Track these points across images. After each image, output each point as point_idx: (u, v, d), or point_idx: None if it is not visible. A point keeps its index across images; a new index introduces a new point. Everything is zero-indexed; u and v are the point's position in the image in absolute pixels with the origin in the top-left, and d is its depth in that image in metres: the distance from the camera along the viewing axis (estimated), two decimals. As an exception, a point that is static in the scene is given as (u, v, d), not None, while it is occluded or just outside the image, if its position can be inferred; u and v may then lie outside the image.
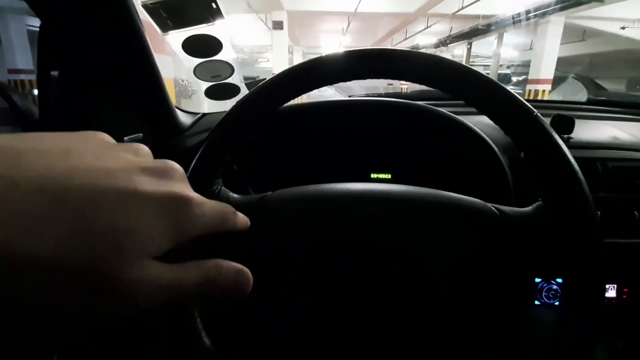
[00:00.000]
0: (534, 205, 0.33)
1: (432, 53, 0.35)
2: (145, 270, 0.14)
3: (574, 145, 0.61)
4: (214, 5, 0.62)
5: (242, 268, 0.18)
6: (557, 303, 0.50)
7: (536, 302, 0.52)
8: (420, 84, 0.33)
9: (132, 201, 0.14)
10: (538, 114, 0.31)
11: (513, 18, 7.97)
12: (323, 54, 0.34)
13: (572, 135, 0.61)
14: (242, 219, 0.21)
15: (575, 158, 0.30)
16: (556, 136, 0.30)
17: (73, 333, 0.13)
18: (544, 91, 8.39)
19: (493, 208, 0.34)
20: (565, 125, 0.59)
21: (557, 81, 8.29)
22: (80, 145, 0.15)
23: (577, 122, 0.60)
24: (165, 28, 0.64)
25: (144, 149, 0.18)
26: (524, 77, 10.72)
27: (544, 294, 0.53)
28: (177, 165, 0.18)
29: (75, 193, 0.13)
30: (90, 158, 0.14)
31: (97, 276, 0.13)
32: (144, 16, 0.59)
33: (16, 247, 0.11)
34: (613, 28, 8.87)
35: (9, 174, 0.12)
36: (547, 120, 0.31)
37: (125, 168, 0.15)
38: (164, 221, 0.15)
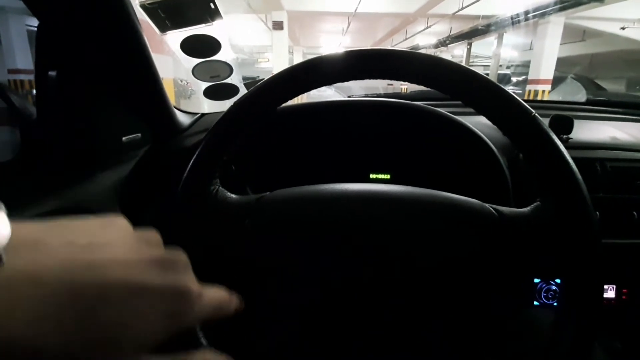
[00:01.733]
0: (532, 205, 0.33)
1: (432, 53, 0.35)
2: None
3: (573, 146, 0.61)
4: (212, 5, 0.62)
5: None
6: (556, 303, 0.50)
7: (535, 303, 0.52)
8: (419, 84, 0.33)
9: (140, 296, 0.15)
10: (536, 114, 0.31)
11: (513, 18, 7.97)
12: (322, 54, 0.34)
13: (571, 135, 0.61)
14: (236, 304, 0.22)
15: (574, 158, 0.30)
16: (554, 137, 0.30)
17: None
18: (543, 91, 8.39)
19: (491, 209, 0.34)
20: (564, 125, 0.59)
21: (556, 81, 8.30)
22: (102, 235, 0.16)
23: (576, 122, 0.60)
24: (163, 28, 0.64)
25: (155, 237, 0.19)
26: (523, 77, 10.73)
27: (543, 294, 0.53)
28: (182, 256, 0.19)
29: (90, 288, 0.14)
30: (109, 250, 0.16)
31: None
32: (142, 16, 0.59)
33: (29, 340, 0.12)
34: (613, 28, 8.87)
35: (33, 267, 0.13)
36: (546, 121, 0.31)
37: (139, 261, 0.16)
38: (164, 315, 0.16)
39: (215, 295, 0.20)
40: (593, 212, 0.29)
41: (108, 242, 0.16)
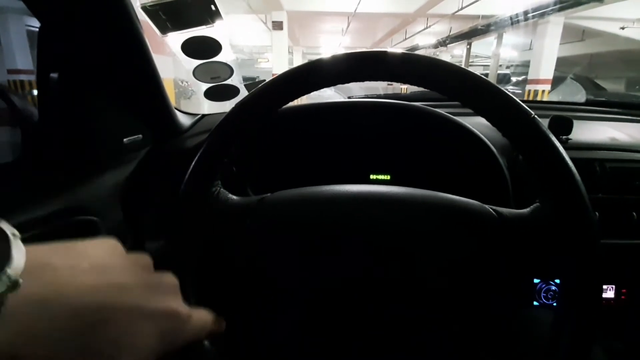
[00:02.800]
0: (532, 207, 0.34)
1: (431, 54, 0.35)
2: None
3: (572, 147, 0.61)
4: (213, 7, 0.62)
5: None
6: (555, 304, 0.50)
7: (535, 303, 0.52)
8: (418, 86, 0.34)
9: (136, 317, 0.17)
10: (535, 116, 0.31)
11: (512, 18, 7.97)
12: (323, 55, 0.34)
13: (570, 136, 0.61)
14: (220, 324, 0.24)
15: (574, 159, 0.30)
16: (553, 138, 0.31)
17: None
18: (543, 91, 8.39)
19: (491, 210, 0.34)
20: (563, 126, 0.59)
21: (556, 81, 8.30)
22: (101, 258, 0.18)
23: (576, 123, 0.60)
24: (164, 30, 0.64)
25: (147, 260, 0.20)
26: (523, 77, 10.73)
27: (542, 294, 0.53)
28: (172, 280, 0.20)
29: (95, 311, 0.15)
30: (109, 274, 0.17)
31: None
32: (142, 17, 0.59)
33: (37, 358, 0.13)
34: (612, 28, 8.87)
35: (44, 293, 0.14)
36: (545, 122, 0.31)
37: (136, 285, 0.18)
38: (158, 335, 0.17)
39: (202, 317, 0.22)
40: (592, 213, 0.30)
41: (107, 265, 0.17)
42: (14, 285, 0.14)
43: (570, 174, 0.30)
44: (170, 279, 0.20)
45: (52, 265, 0.15)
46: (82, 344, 0.15)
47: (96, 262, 0.17)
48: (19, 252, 0.15)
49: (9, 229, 0.15)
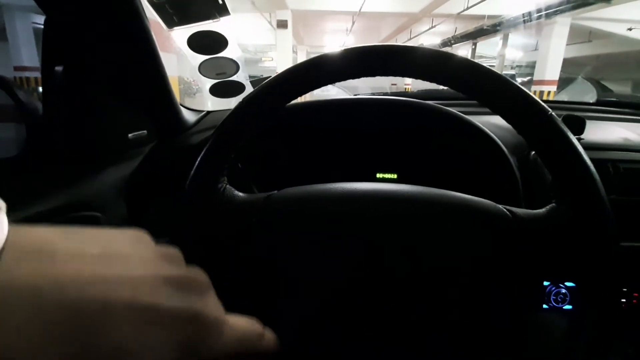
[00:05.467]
0: (548, 207, 0.33)
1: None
2: None
3: (585, 147, 0.60)
4: (219, 1, 0.61)
5: None
6: (565, 307, 0.49)
7: (544, 306, 0.51)
8: (432, 82, 0.33)
9: (147, 319, 0.14)
10: (553, 113, 0.30)
11: (518, 19, 7.91)
12: (328, 52, 0.33)
13: (582, 136, 0.60)
14: (268, 341, 0.19)
15: None
16: (572, 136, 0.30)
17: None
18: (548, 92, 8.34)
19: (505, 210, 0.33)
20: (576, 125, 0.58)
21: (562, 82, 8.24)
22: (116, 247, 0.15)
23: (587, 123, 0.59)
24: (170, 24, 0.63)
25: (176, 254, 0.17)
26: (529, 77, 10.66)
27: (552, 297, 0.52)
28: (203, 277, 0.17)
29: (92, 307, 0.13)
30: (121, 264, 0.14)
31: None
32: (149, 14, 0.59)
33: (19, 356, 0.11)
34: (619, 29, 8.80)
35: (35, 280, 0.12)
36: None
37: (152, 278, 0.15)
38: (174, 342, 0.14)
39: (241, 326, 0.18)
40: (611, 215, 0.29)
41: (122, 255, 0.15)
42: None
43: (589, 173, 0.29)
44: (200, 276, 0.17)
45: (51, 250, 0.13)
46: (77, 347, 0.12)
47: (109, 251, 0.15)
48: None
49: None
